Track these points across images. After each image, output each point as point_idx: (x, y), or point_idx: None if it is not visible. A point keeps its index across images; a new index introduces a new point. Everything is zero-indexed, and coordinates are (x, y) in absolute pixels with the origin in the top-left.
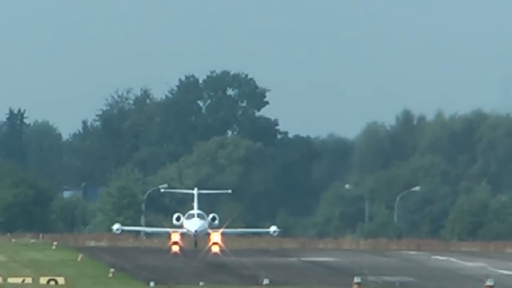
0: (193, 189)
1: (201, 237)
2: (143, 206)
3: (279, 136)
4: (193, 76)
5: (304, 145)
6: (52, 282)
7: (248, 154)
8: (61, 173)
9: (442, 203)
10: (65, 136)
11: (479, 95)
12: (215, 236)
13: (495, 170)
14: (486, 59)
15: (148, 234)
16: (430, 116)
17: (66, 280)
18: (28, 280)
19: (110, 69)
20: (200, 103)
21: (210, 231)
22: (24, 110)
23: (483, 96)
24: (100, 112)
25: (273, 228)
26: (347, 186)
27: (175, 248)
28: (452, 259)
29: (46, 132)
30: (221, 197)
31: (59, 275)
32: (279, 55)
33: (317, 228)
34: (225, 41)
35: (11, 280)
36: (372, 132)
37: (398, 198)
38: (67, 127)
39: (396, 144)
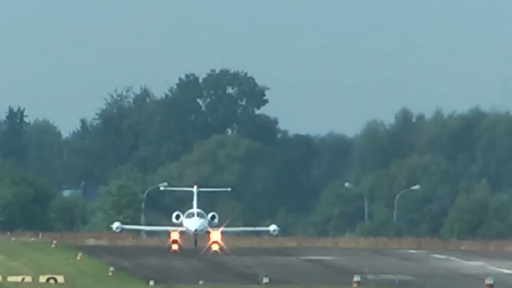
0: (192, 187)
1: (200, 236)
2: (142, 205)
3: (278, 135)
4: (192, 74)
5: (303, 143)
6: (52, 281)
7: (248, 153)
8: (61, 171)
9: (441, 202)
10: (65, 134)
11: (478, 93)
12: (215, 235)
13: (495, 169)
14: (485, 58)
15: (148, 233)
16: (428, 114)
17: (65, 278)
18: (28, 278)
19: (110, 67)
20: (200, 101)
21: (209, 229)
22: (24, 109)
23: (482, 95)
24: (99, 111)
25: (272, 227)
26: (346, 184)
27: (175, 247)
28: (452, 258)
29: (45, 130)
30: (221, 196)
31: (58, 274)
32: (278, 54)
33: (316, 227)
34: (224, 39)
35: (10, 278)
36: (371, 131)
37: (397, 196)
38: (67, 125)
39: (396, 142)
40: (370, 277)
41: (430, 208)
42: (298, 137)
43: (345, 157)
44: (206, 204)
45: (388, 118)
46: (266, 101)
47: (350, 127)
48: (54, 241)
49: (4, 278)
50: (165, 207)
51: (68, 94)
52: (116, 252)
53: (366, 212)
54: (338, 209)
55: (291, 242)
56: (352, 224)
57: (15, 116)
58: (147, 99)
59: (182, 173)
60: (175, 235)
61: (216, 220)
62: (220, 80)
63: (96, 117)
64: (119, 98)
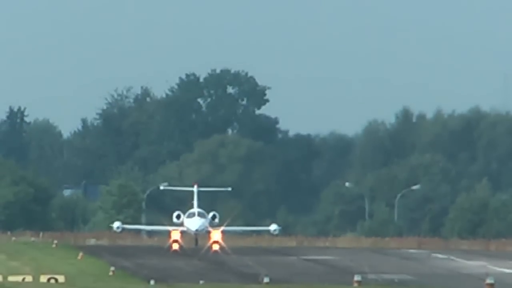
0: (193, 187)
1: (201, 235)
2: (143, 204)
3: (279, 135)
4: (193, 74)
5: (304, 143)
6: (52, 281)
7: (248, 153)
8: (62, 171)
9: (442, 201)
10: (66, 134)
11: (479, 93)
12: (216, 235)
13: (495, 168)
14: (485, 57)
15: (148, 233)
16: (429, 114)
17: (66, 278)
18: (28, 278)
19: (111, 67)
20: (201, 101)
21: (210, 229)
22: (24, 108)
23: (482, 94)
24: (100, 111)
25: (273, 227)
26: (347, 184)
27: (175, 246)
28: (453, 258)
29: (46, 130)
30: (221, 196)
31: (59, 274)
32: (279, 53)
33: (317, 226)
34: (225, 39)
35: (11, 278)
36: (372, 130)
37: (398, 196)
38: (68, 125)
39: (396, 142)
40: (370, 276)
41: (431, 208)
42: (298, 136)
43: (346, 157)
44: (207, 204)
45: (388, 118)
46: (267, 100)
47: (351, 127)
48: (55, 241)
49: (5, 278)
50: (165, 206)
51: (69, 93)
52: (117, 252)
53: (366, 212)
54: (338, 209)
55: (291, 242)
56: (353, 224)
57: (16, 116)
58: (148, 99)
59: (183, 173)
60: (175, 235)
61: (216, 220)
62: (220, 79)
63: (97, 116)
64: (119, 98)
